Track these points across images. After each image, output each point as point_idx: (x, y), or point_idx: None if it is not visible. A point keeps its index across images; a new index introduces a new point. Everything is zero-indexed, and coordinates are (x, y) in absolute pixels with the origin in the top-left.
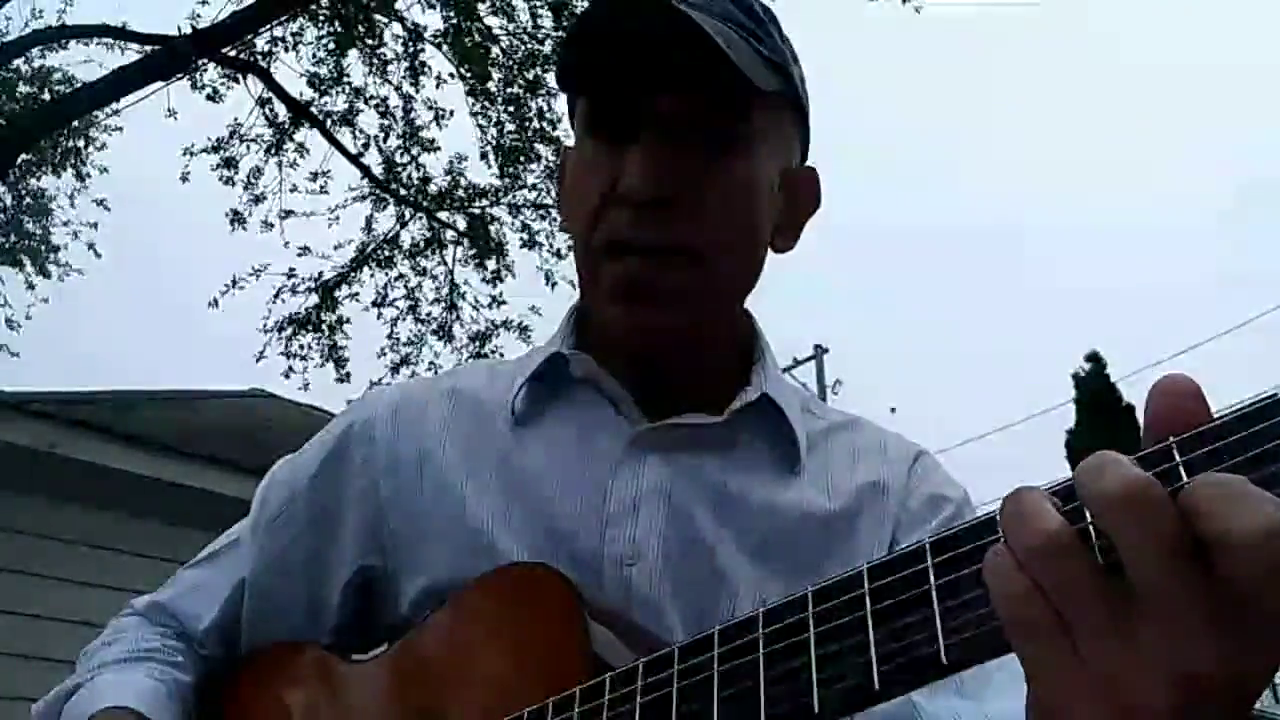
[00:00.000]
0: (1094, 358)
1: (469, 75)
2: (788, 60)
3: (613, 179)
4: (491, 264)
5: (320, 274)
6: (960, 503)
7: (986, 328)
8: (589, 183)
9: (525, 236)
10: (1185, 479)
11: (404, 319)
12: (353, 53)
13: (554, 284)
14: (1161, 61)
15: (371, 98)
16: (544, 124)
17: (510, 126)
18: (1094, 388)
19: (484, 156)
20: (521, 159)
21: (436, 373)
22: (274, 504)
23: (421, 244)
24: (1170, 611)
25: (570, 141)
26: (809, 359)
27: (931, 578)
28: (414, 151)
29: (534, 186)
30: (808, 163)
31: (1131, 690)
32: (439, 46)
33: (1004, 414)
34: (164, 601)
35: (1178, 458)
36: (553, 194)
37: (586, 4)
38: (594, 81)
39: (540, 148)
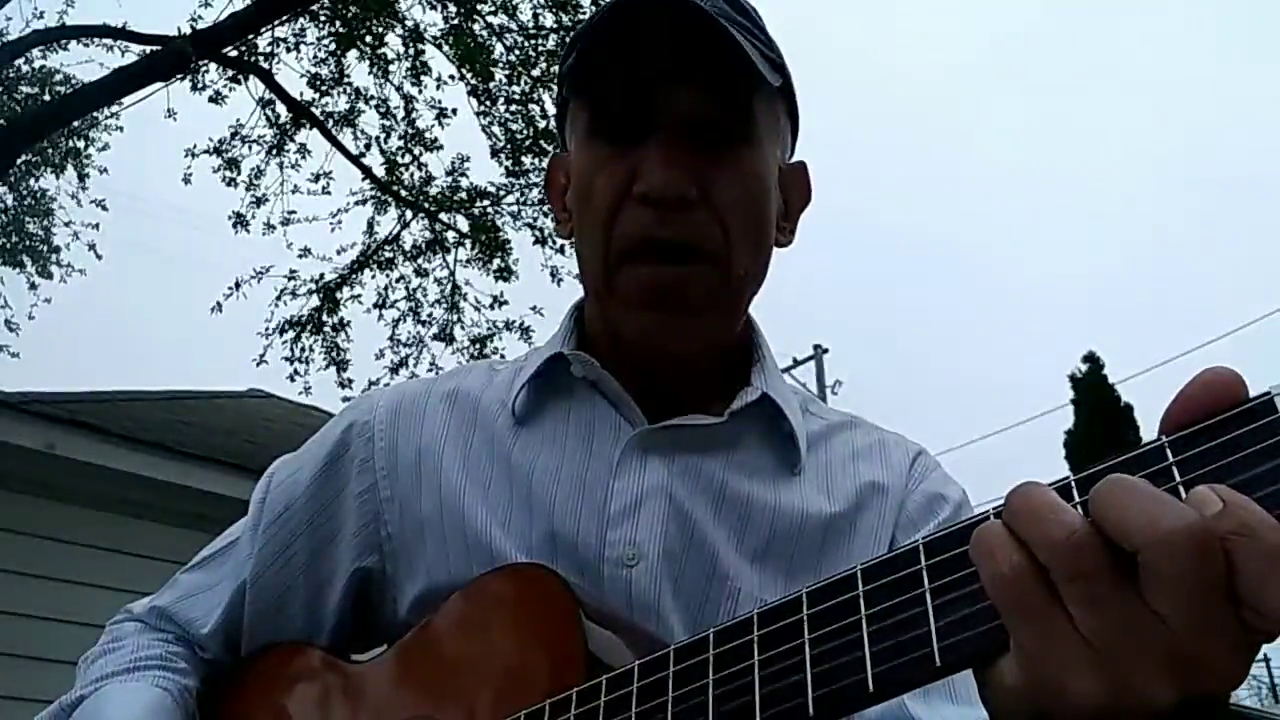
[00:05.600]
0: (1092, 358)
1: (470, 76)
2: (780, 55)
3: (628, 180)
4: (497, 262)
5: (321, 275)
6: (958, 503)
7: (986, 329)
8: (601, 185)
9: (534, 234)
10: (1179, 479)
11: (405, 320)
12: (354, 53)
13: (560, 280)
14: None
15: (372, 98)
16: (549, 121)
17: (515, 125)
18: (1092, 388)
19: (494, 155)
20: (526, 157)
21: (436, 373)
22: (273, 506)
23: (423, 245)
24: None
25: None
26: (809, 359)
27: (925, 579)
28: (415, 151)
29: (538, 184)
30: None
31: (1130, 663)
32: (439, 47)
33: (1003, 415)
34: (163, 606)
35: (1170, 457)
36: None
37: (589, 1)
38: (604, 79)
39: (546, 145)
